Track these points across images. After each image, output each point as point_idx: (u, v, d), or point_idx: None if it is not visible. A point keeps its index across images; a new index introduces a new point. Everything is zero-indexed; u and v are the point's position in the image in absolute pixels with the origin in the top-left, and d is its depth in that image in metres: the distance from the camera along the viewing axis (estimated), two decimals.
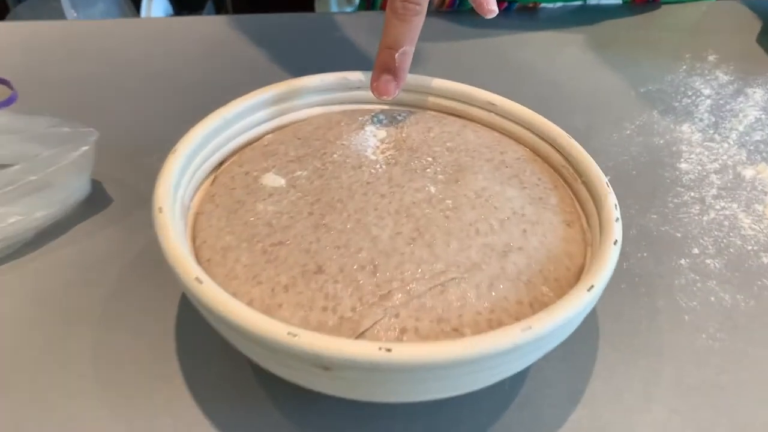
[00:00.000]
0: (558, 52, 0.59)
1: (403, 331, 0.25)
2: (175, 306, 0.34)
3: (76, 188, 0.39)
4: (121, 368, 0.31)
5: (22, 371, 0.30)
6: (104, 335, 0.32)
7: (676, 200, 0.42)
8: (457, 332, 0.25)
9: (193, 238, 0.30)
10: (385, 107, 0.38)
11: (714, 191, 0.42)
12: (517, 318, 0.26)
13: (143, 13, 1.29)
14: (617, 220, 0.29)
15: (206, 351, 0.31)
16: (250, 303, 0.26)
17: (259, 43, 0.59)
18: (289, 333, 0.23)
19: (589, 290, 0.25)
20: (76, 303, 0.34)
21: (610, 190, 0.30)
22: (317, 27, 0.64)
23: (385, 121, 0.36)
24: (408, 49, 0.35)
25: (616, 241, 0.28)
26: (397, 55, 0.35)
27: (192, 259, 0.26)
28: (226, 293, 0.24)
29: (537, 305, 0.27)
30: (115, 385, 0.30)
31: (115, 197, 0.41)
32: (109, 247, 0.37)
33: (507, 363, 0.25)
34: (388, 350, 0.22)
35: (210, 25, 0.64)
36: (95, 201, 0.40)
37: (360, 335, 0.25)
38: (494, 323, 0.25)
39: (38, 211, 0.36)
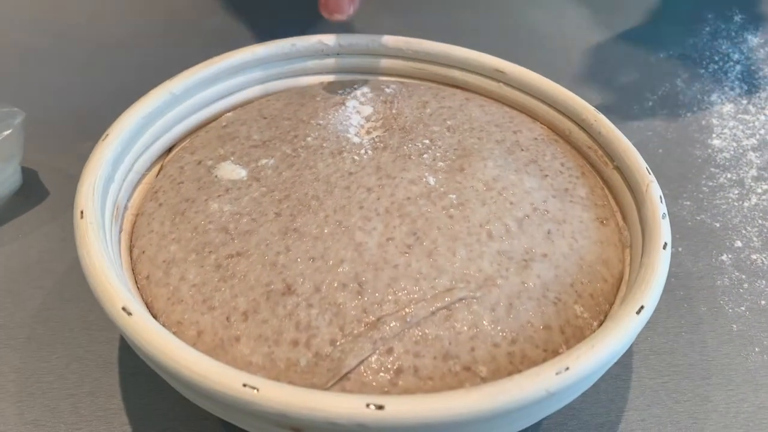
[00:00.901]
0: (564, 13, 0.52)
1: (398, 372, 0.19)
2: None
3: (2, 180, 0.33)
4: (50, 404, 0.25)
5: None
6: (31, 362, 0.27)
7: (711, 183, 0.36)
8: (469, 372, 0.19)
9: (130, 247, 0.24)
10: (370, 78, 0.32)
11: (754, 172, 0.37)
12: (545, 349, 0.20)
13: None
14: (664, 216, 0.23)
15: (156, 384, 0.26)
16: (198, 336, 0.20)
17: (228, 6, 0.52)
18: (245, 385, 0.17)
19: (638, 313, 0.19)
20: (0, 320, 0.28)
21: (653, 177, 0.24)
22: None
23: (370, 95, 0.29)
24: None
25: (666, 244, 0.22)
26: None
27: (120, 281, 0.19)
28: (162, 329, 0.18)
29: (569, 330, 0.21)
30: (42, 427, 0.25)
31: (51, 189, 0.35)
32: (43, 250, 0.32)
33: (535, 413, 0.19)
34: (380, 407, 0.16)
35: None
36: (27, 194, 0.34)
37: (342, 378, 0.19)
38: (516, 358, 0.20)
39: None
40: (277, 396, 0.17)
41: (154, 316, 0.21)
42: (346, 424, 0.16)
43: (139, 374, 0.26)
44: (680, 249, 0.32)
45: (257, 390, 0.17)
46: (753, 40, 0.48)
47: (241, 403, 0.17)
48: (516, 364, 0.20)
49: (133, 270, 0.23)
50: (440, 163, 0.25)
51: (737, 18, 0.51)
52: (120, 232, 0.24)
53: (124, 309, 0.19)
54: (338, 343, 0.20)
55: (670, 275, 0.31)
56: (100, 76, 0.44)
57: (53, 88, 0.42)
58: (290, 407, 0.16)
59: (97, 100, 0.41)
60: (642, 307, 0.20)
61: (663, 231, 0.22)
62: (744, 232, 0.33)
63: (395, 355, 0.19)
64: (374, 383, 0.19)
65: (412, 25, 0.50)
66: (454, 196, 0.24)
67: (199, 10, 0.52)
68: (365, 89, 0.30)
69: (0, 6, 0.51)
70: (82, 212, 0.21)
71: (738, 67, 0.45)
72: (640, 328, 0.20)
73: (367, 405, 0.16)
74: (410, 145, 0.26)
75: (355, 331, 0.20)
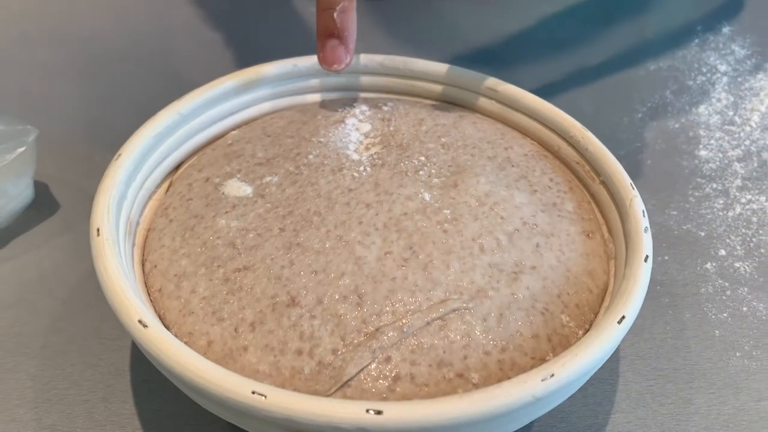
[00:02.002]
0: (554, 28, 0.54)
1: (396, 379, 0.20)
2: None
3: (15, 195, 0.34)
4: (66, 410, 0.26)
5: None
6: (47, 370, 0.28)
7: (697, 193, 0.37)
8: (461, 378, 0.21)
9: (143, 261, 0.25)
10: (369, 96, 0.33)
11: (738, 182, 0.38)
12: (534, 356, 0.22)
13: None
14: (646, 230, 0.24)
15: (167, 389, 0.27)
16: (208, 346, 0.21)
17: (229, 20, 0.53)
18: (254, 392, 0.18)
19: (619, 322, 0.21)
20: (15, 329, 0.30)
21: (636, 193, 0.26)
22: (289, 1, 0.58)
23: (369, 113, 0.31)
24: (347, 5, 0.30)
25: (647, 257, 0.23)
26: (335, 14, 0.29)
27: (135, 296, 0.21)
28: (176, 340, 0.20)
29: (556, 339, 0.22)
30: (59, 431, 0.26)
31: (62, 202, 0.36)
32: (56, 262, 0.33)
33: (523, 417, 0.20)
34: (379, 413, 0.18)
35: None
36: (39, 207, 0.36)
37: (343, 385, 0.20)
38: (506, 365, 0.21)
39: None
40: (283, 402, 0.18)
41: (167, 327, 0.22)
42: (347, 428, 0.18)
43: (150, 381, 0.27)
44: (666, 257, 0.33)
45: (265, 397, 0.18)
46: (740, 52, 0.49)
47: (250, 409, 0.18)
48: (506, 371, 0.21)
49: (145, 283, 0.24)
50: (435, 180, 0.26)
51: (725, 30, 0.52)
52: (133, 246, 0.25)
53: (140, 322, 0.20)
54: (339, 353, 0.21)
55: (656, 283, 0.32)
56: (107, 91, 0.45)
57: (61, 103, 0.44)
58: (296, 413, 0.18)
59: (105, 115, 0.42)
60: (623, 317, 0.21)
61: (645, 244, 0.24)
62: (728, 240, 0.34)
63: (393, 363, 0.21)
64: (373, 390, 0.20)
65: (393, 40, 0.51)
66: (448, 212, 0.25)
67: (202, 27, 0.53)
68: (364, 107, 0.31)
69: (10, 25, 0.52)
70: (98, 230, 0.23)
71: (725, 79, 0.47)
72: (621, 337, 0.21)
73: (367, 410, 0.18)
74: (407, 162, 0.27)
75: (356, 341, 0.21)
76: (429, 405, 0.18)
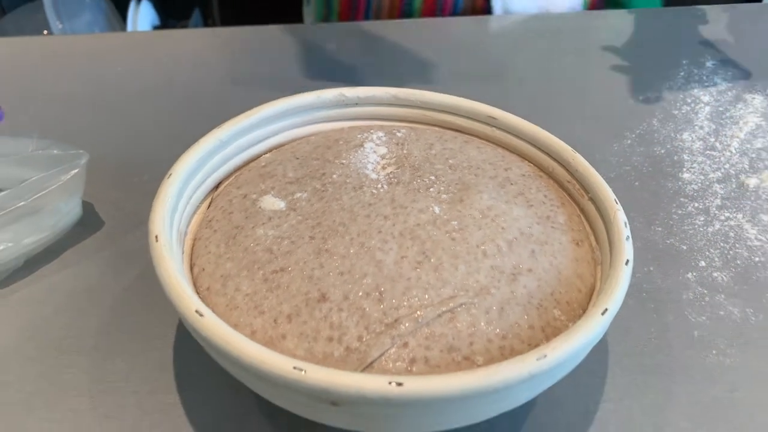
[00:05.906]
0: (553, 60, 0.58)
1: (412, 361, 0.24)
2: (172, 333, 0.33)
3: (66, 212, 0.38)
4: (117, 401, 0.30)
5: (11, 405, 0.29)
6: (99, 366, 0.31)
7: (680, 211, 0.41)
8: (468, 361, 0.24)
9: (191, 266, 0.29)
10: (384, 123, 0.37)
11: (718, 201, 0.42)
12: (530, 344, 0.25)
13: (129, 25, 1.27)
14: (628, 238, 0.28)
15: (207, 381, 0.30)
16: (252, 334, 0.25)
17: (249, 57, 0.58)
18: (295, 368, 0.22)
19: (603, 314, 0.24)
20: (69, 332, 0.33)
21: (619, 207, 0.29)
22: (308, 39, 0.63)
23: (384, 138, 0.35)
24: None
25: (628, 261, 0.27)
26: None
27: (192, 291, 0.25)
28: (228, 327, 0.23)
29: (549, 330, 0.26)
30: (113, 419, 0.29)
31: (106, 219, 0.40)
32: (102, 272, 0.36)
33: (521, 392, 0.24)
34: (399, 384, 0.21)
35: (197, 38, 0.63)
36: (86, 224, 0.39)
37: (368, 366, 0.24)
38: (506, 350, 0.25)
39: (27, 237, 0.35)
40: (320, 376, 0.21)
41: None
42: (373, 397, 0.21)
43: (191, 375, 0.31)
44: (652, 268, 0.37)
45: (304, 371, 0.21)
46: (722, 84, 0.54)
47: (292, 383, 0.22)
48: (506, 355, 0.24)
49: (194, 284, 0.28)
50: (444, 196, 0.30)
51: (709, 63, 0.57)
52: (182, 254, 0.29)
53: (197, 311, 0.23)
54: (364, 339, 0.24)
55: (642, 290, 0.36)
56: (149, 121, 0.49)
57: (108, 131, 0.48)
58: (331, 385, 0.21)
59: (146, 142, 0.47)
60: (606, 310, 0.24)
61: (626, 250, 0.27)
62: (707, 253, 0.38)
63: (410, 348, 0.24)
64: (393, 370, 0.24)
65: (401, 72, 0.56)
66: (455, 223, 0.29)
67: (229, 64, 0.58)
68: (380, 133, 0.35)
69: (67, 68, 0.57)
70: (156, 236, 0.26)
71: (707, 109, 0.51)
72: (605, 327, 0.24)
73: (390, 383, 0.21)
74: (419, 181, 0.31)
75: (378, 330, 0.25)
76: (442, 378, 0.21)
